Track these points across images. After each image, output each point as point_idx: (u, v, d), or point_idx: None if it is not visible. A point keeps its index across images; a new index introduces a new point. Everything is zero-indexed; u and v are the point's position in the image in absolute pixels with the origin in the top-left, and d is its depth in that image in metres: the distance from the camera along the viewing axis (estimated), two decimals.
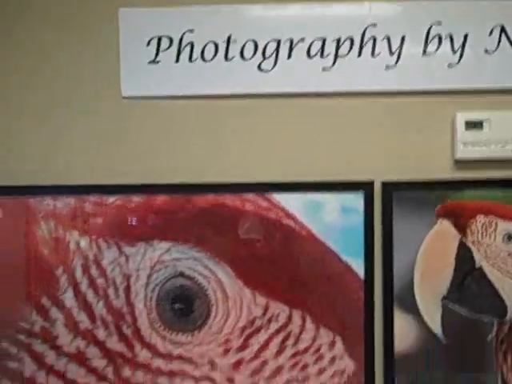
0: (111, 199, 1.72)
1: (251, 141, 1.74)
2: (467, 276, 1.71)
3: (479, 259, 1.70)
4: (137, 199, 1.72)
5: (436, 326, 1.74)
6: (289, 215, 1.71)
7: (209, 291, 1.73)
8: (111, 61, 1.72)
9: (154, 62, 1.71)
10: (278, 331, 1.74)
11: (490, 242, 1.70)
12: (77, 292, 1.74)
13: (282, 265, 1.72)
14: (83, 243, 1.72)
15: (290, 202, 1.72)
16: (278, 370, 1.76)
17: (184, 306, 1.75)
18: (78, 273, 1.73)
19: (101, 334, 1.75)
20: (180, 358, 1.75)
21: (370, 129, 1.72)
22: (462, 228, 1.70)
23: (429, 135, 1.71)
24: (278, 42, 1.69)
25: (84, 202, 1.72)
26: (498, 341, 1.74)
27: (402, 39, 1.67)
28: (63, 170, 1.74)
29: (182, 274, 1.73)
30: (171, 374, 1.76)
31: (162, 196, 1.72)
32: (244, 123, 1.74)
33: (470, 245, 1.71)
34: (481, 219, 1.70)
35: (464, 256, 1.71)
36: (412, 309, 1.74)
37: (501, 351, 1.74)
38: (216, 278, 1.72)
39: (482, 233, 1.70)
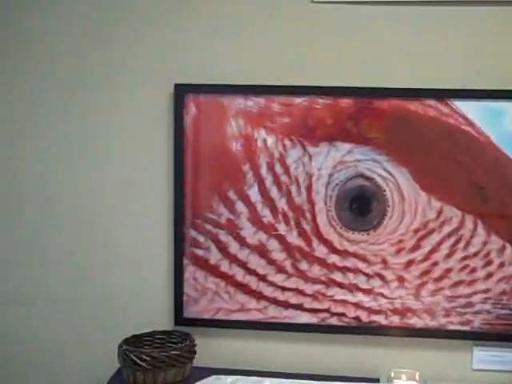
0: (298, 100, 1.80)
1: (432, 48, 1.80)
2: None
3: None
4: (322, 101, 1.80)
5: None
6: (468, 122, 1.77)
7: (386, 192, 1.80)
8: None
9: None
10: (449, 234, 1.82)
11: None
12: (261, 188, 1.83)
13: (458, 170, 1.78)
14: (270, 141, 1.81)
15: (470, 108, 1.78)
16: (447, 272, 1.83)
17: (362, 206, 1.81)
18: (264, 169, 1.82)
19: (282, 228, 1.83)
20: (354, 255, 1.84)
21: None
22: None
23: None
24: None
25: (273, 101, 1.81)
26: None
27: None
28: (254, 71, 1.83)
29: (361, 175, 1.81)
30: (345, 270, 1.85)
31: (347, 99, 1.79)
32: (421, 31, 1.80)
33: None
34: None
35: None
36: None
37: None
38: (394, 180, 1.80)
39: None
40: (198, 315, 1.88)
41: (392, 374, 1.64)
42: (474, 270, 1.82)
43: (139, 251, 1.89)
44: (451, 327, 1.84)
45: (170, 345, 1.78)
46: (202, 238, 1.85)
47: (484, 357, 1.86)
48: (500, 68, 1.78)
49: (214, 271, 1.86)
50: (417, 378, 1.64)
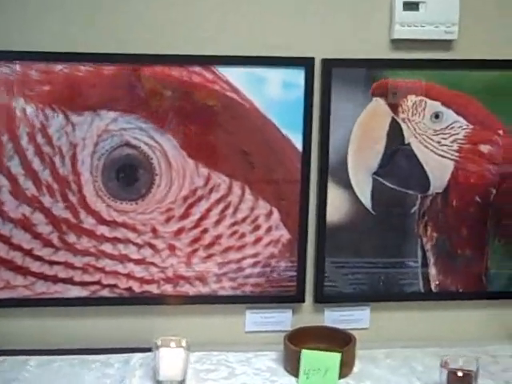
0: (59, 67, 1.72)
1: (199, 14, 1.77)
2: (397, 152, 1.83)
3: (408, 136, 1.83)
4: (85, 68, 1.73)
5: (366, 198, 1.86)
6: (232, 88, 1.77)
7: (153, 161, 1.78)
8: None
9: None
10: (218, 201, 1.83)
11: (419, 119, 1.81)
12: (23, 159, 1.75)
13: (225, 137, 1.79)
14: (29, 110, 1.73)
15: (235, 75, 1.78)
16: (217, 238, 1.85)
17: (129, 175, 1.78)
18: (24, 140, 1.74)
19: (46, 201, 1.76)
20: (124, 225, 1.81)
21: (314, 7, 1.78)
22: (394, 106, 1.81)
23: (368, 15, 1.79)
24: None
25: (30, 69, 1.72)
26: (421, 213, 1.88)
27: None
28: (9, 36, 1.71)
29: (127, 144, 1.77)
30: (115, 241, 1.82)
31: (110, 66, 1.74)
32: None
33: (400, 122, 1.81)
34: (412, 98, 1.81)
35: (395, 132, 1.83)
36: (345, 182, 1.85)
37: (422, 222, 1.88)
38: (161, 148, 1.78)
39: (413, 111, 1.81)
40: None
41: (159, 342, 1.64)
42: (243, 236, 1.84)
43: None
44: (223, 292, 1.87)
45: None
46: None
47: (256, 319, 1.90)
48: (260, 35, 1.79)
49: None
50: (183, 344, 1.64)
